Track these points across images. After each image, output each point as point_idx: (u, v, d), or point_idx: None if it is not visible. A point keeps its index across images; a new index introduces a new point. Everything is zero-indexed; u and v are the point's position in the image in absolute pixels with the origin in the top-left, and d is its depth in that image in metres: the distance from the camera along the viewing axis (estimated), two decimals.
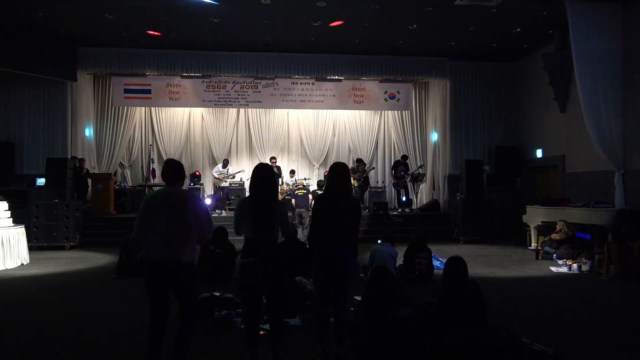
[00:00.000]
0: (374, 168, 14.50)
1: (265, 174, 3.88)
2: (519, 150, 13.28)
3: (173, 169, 3.70)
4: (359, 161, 13.67)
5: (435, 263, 7.44)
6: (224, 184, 13.20)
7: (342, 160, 14.91)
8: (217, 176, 13.22)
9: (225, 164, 13.52)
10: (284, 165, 14.73)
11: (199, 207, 3.63)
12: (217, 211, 12.85)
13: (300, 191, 11.40)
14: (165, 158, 14.39)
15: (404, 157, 13.77)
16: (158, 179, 14.28)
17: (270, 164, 13.07)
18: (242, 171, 13.72)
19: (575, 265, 7.94)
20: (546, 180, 12.54)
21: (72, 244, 10.54)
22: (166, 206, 3.53)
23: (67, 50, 12.02)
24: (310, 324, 4.76)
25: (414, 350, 3.67)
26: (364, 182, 13.21)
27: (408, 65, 13.19)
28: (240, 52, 12.66)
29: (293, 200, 11.29)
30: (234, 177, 13.49)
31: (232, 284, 6.36)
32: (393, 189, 13.92)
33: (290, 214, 10.03)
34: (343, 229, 3.92)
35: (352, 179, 13.46)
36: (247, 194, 14.06)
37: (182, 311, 3.62)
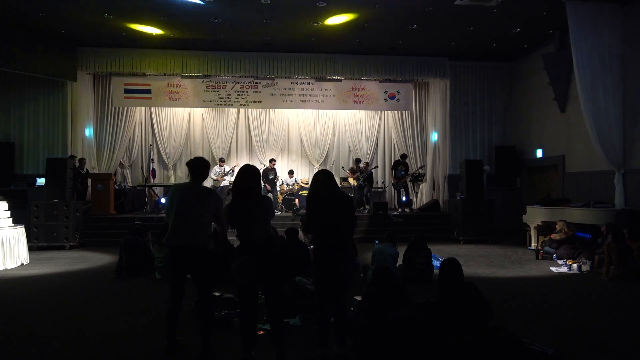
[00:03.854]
0: (376, 167, 14.47)
1: (244, 174, 3.90)
2: (519, 150, 13.28)
3: (197, 166, 4.20)
4: (358, 160, 13.68)
5: (435, 263, 7.44)
6: (223, 184, 13.20)
7: (342, 160, 15.00)
8: (215, 177, 13.22)
9: (222, 163, 13.52)
10: (284, 165, 14.74)
11: (216, 205, 4.08)
12: None
13: (305, 192, 11.39)
14: (165, 158, 14.52)
15: (404, 156, 13.75)
16: (158, 179, 14.30)
17: (269, 165, 13.15)
18: (237, 165, 13.72)
19: (575, 265, 7.94)
20: (546, 180, 12.54)
21: (72, 244, 10.54)
22: (187, 198, 4.06)
23: (67, 50, 12.02)
24: (310, 324, 4.76)
25: (414, 351, 3.67)
26: (367, 181, 13.18)
27: (408, 65, 13.17)
28: (240, 52, 12.66)
29: (297, 201, 11.30)
30: (233, 174, 13.44)
31: (232, 284, 6.37)
32: (393, 189, 13.92)
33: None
34: (337, 226, 3.92)
35: (351, 178, 13.50)
36: None
37: (200, 293, 4.09)
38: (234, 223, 3.86)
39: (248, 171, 3.93)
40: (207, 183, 14.15)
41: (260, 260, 3.72)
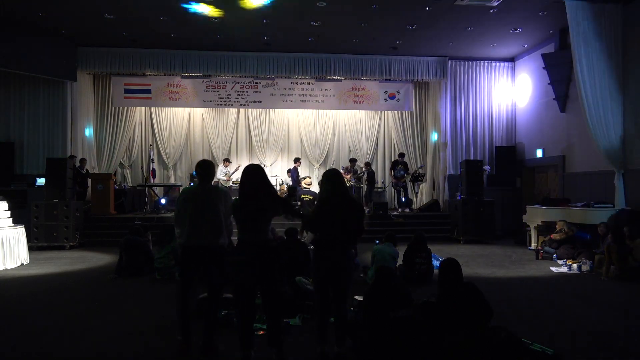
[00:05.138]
0: (370, 169, 14.45)
1: (251, 174, 3.89)
2: (519, 150, 13.28)
3: (206, 169, 4.30)
4: (353, 160, 13.71)
5: (435, 263, 7.43)
6: (230, 184, 13.35)
7: (342, 160, 15.00)
8: (225, 177, 13.29)
9: (227, 163, 13.56)
10: (284, 165, 14.73)
11: (227, 205, 4.14)
12: None
13: (306, 196, 11.36)
14: (165, 158, 14.51)
15: (401, 155, 13.69)
16: (158, 179, 14.30)
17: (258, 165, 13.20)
18: (239, 166, 13.72)
19: (575, 265, 7.94)
20: (546, 180, 12.54)
21: (72, 244, 10.54)
22: (202, 199, 4.13)
23: (67, 50, 12.02)
24: (310, 324, 4.76)
25: (415, 351, 3.67)
26: (369, 181, 13.16)
27: (408, 65, 13.19)
28: (240, 52, 12.66)
29: (299, 203, 11.31)
30: (236, 171, 13.53)
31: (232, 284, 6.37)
32: (393, 189, 13.92)
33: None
34: (343, 229, 3.92)
35: (345, 178, 13.49)
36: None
37: (209, 291, 4.16)
38: (237, 222, 3.90)
39: (251, 171, 3.93)
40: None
41: (256, 261, 3.73)
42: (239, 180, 4.10)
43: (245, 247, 3.78)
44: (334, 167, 14.72)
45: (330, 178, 4.07)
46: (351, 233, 3.98)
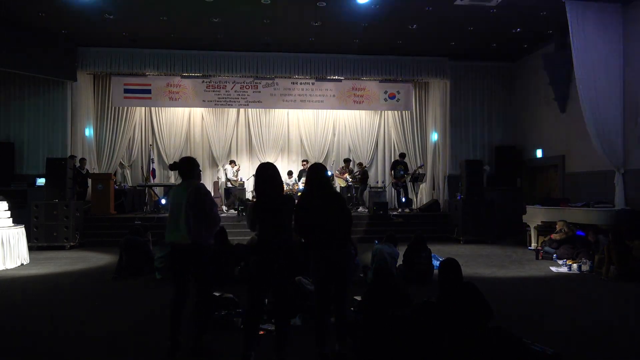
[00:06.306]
0: (362, 166, 14.48)
1: (262, 173, 3.88)
2: (519, 150, 13.27)
3: (185, 165, 4.27)
4: (347, 161, 13.77)
5: (435, 263, 7.42)
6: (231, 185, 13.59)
7: (342, 160, 14.97)
8: (235, 178, 13.57)
9: (233, 164, 13.82)
10: (284, 165, 14.73)
11: (205, 202, 4.09)
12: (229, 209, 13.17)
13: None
14: (165, 158, 14.52)
15: (402, 156, 13.72)
16: (158, 179, 14.31)
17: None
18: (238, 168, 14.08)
19: (575, 265, 7.94)
20: (546, 180, 12.54)
21: (72, 244, 10.53)
22: (176, 198, 4.14)
23: (67, 50, 12.01)
24: (310, 324, 4.75)
25: (414, 350, 3.68)
26: (362, 181, 13.26)
27: (408, 65, 13.18)
28: (240, 52, 12.66)
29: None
30: (236, 175, 13.78)
31: (232, 284, 6.37)
32: (392, 189, 13.93)
33: None
34: (334, 226, 3.92)
35: (339, 179, 13.58)
36: (249, 194, 14.03)
37: (198, 289, 4.13)
38: (259, 223, 3.82)
39: (267, 169, 3.90)
40: (209, 181, 14.38)
41: (273, 260, 3.71)
42: (254, 180, 4.05)
43: (264, 246, 3.77)
44: (334, 166, 14.74)
45: (318, 172, 4.08)
46: (342, 224, 3.97)
